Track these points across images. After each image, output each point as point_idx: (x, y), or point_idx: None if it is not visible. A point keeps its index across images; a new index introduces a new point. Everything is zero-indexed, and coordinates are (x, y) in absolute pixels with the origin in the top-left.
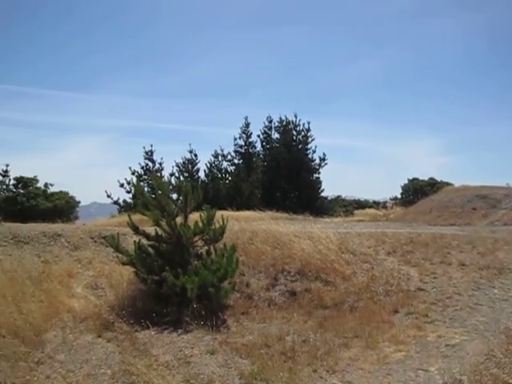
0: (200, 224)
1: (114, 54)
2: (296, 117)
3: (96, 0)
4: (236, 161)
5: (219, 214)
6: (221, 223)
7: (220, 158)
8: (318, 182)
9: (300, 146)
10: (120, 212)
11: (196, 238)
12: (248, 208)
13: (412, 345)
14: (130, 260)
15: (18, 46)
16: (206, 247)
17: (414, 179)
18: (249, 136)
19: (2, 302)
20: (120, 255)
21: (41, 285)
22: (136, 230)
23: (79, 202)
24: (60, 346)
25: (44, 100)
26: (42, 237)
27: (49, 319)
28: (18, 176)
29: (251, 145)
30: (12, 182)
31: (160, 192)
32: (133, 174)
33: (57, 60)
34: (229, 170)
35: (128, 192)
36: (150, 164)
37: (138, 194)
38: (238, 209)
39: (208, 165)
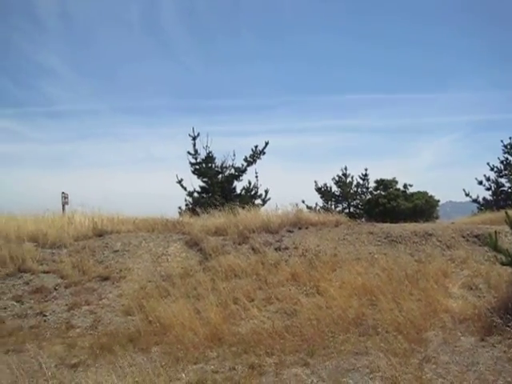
0: None
1: (460, 53)
2: None
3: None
4: None
5: None
6: None
7: None
8: None
9: None
10: (480, 210)
11: None
12: None
13: None
14: (510, 260)
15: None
16: None
17: None
18: None
19: (383, 298)
20: (498, 255)
21: (417, 283)
22: None
23: (438, 201)
24: (441, 346)
25: (397, 105)
26: (413, 236)
27: (427, 318)
28: (378, 179)
29: None
30: (372, 184)
31: None
32: (491, 169)
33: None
34: None
35: (487, 189)
36: (511, 158)
37: None
38: None
39: None
